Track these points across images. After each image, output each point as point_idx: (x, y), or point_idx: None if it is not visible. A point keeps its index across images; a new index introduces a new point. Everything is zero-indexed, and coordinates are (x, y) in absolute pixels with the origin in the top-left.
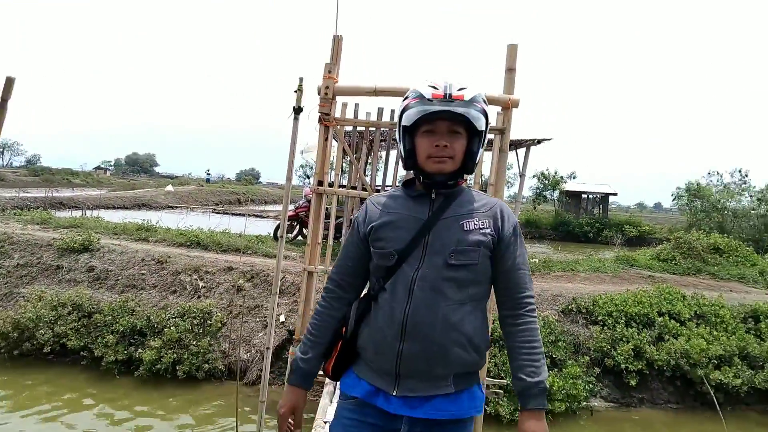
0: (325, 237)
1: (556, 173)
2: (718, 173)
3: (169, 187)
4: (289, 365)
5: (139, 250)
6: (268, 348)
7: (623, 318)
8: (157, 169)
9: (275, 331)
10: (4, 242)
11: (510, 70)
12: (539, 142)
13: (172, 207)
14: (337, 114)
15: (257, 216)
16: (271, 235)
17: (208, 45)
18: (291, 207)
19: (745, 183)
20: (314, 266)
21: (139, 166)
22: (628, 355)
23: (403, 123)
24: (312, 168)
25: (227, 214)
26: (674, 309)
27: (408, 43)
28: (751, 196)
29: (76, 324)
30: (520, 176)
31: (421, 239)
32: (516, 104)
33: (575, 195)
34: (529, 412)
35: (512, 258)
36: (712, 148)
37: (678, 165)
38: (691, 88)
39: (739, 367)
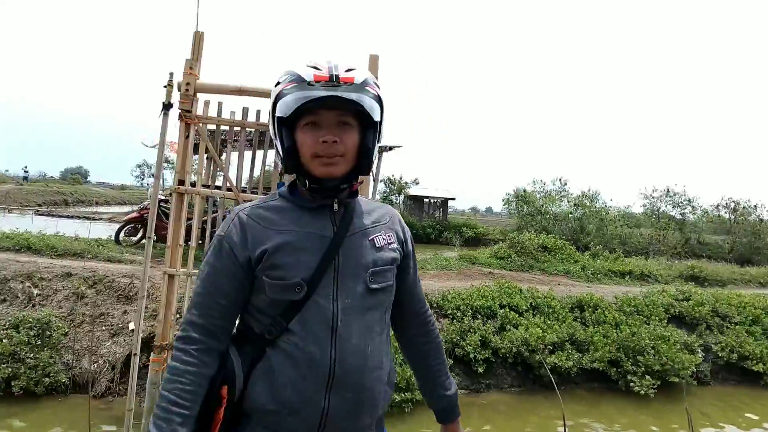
0: (187, 241)
1: (401, 179)
2: (541, 181)
3: None
4: (148, 393)
5: None
6: (135, 354)
7: (470, 311)
8: None
9: (124, 340)
10: None
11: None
12: (391, 148)
13: None
14: (199, 112)
15: (89, 218)
16: (112, 238)
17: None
18: (134, 209)
19: (564, 190)
20: (176, 269)
21: None
22: (475, 345)
23: (278, 114)
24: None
25: (53, 215)
26: (513, 302)
27: (277, 43)
28: (569, 202)
29: None
30: (373, 180)
31: (331, 262)
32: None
33: (418, 199)
34: (453, 423)
35: (414, 272)
36: (536, 158)
37: (506, 173)
38: (515, 102)
39: (569, 351)
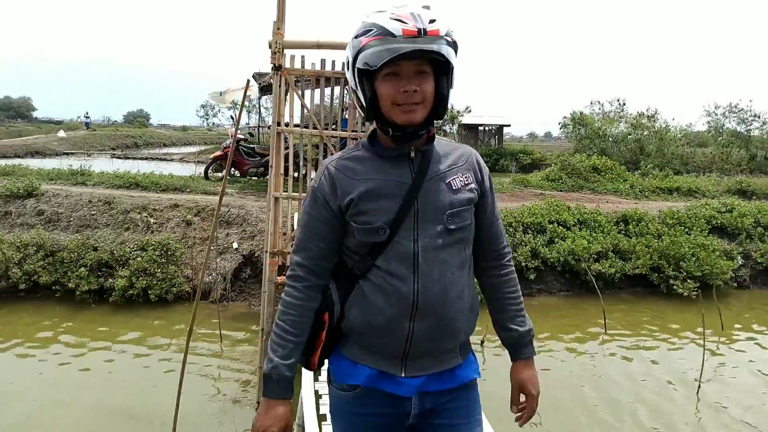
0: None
1: (452, 107)
2: (599, 102)
3: (61, 133)
4: (259, 373)
5: (82, 193)
6: (266, 251)
7: (521, 227)
8: (35, 114)
9: (230, 256)
10: None
11: None
12: None
13: (67, 153)
14: (287, 65)
15: (162, 159)
16: (201, 174)
17: None
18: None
19: (622, 111)
20: (279, 192)
21: (14, 111)
22: (526, 255)
23: (361, 66)
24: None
25: (129, 158)
26: (561, 217)
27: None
28: (627, 123)
29: (42, 262)
30: None
31: (411, 206)
32: None
33: (472, 128)
34: (524, 360)
35: (492, 209)
36: (596, 79)
37: (564, 96)
38: (574, 23)
39: (613, 259)
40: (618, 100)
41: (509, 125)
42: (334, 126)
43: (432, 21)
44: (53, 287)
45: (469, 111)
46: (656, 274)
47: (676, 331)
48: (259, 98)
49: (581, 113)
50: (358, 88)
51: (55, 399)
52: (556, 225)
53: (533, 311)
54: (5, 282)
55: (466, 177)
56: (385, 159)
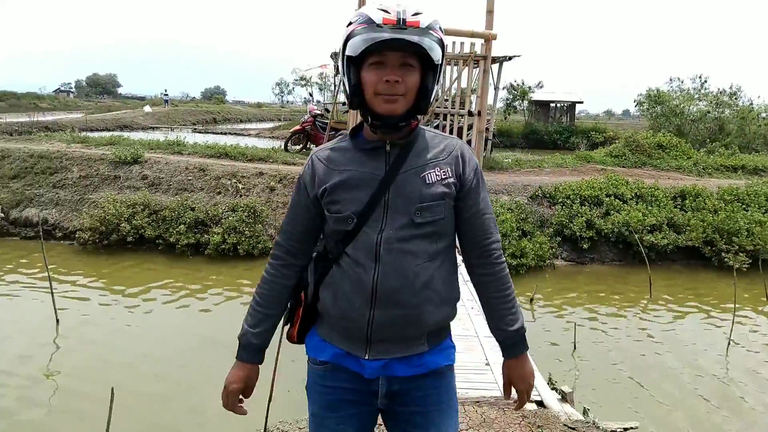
0: None
1: (523, 83)
2: (679, 79)
3: (147, 108)
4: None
5: (179, 161)
6: None
7: (578, 199)
8: (119, 90)
9: None
10: (61, 158)
11: (489, 12)
12: (510, 58)
13: (153, 127)
14: None
15: (239, 134)
16: (281, 147)
17: None
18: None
19: (703, 88)
20: None
21: (101, 88)
22: (581, 226)
23: (348, 53)
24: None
25: (209, 132)
26: (619, 191)
27: None
28: (708, 101)
29: (148, 219)
30: (495, 89)
31: (381, 198)
32: (495, 37)
33: (543, 104)
34: (515, 359)
35: (475, 204)
36: (677, 55)
37: (644, 73)
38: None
39: (667, 232)
40: (699, 77)
41: (582, 102)
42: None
43: (416, 14)
44: (156, 241)
45: (541, 87)
46: (709, 248)
47: (720, 301)
48: (335, 76)
49: (657, 90)
50: (344, 74)
51: (161, 336)
52: (613, 198)
53: (585, 277)
54: (116, 235)
55: (444, 171)
56: (364, 151)
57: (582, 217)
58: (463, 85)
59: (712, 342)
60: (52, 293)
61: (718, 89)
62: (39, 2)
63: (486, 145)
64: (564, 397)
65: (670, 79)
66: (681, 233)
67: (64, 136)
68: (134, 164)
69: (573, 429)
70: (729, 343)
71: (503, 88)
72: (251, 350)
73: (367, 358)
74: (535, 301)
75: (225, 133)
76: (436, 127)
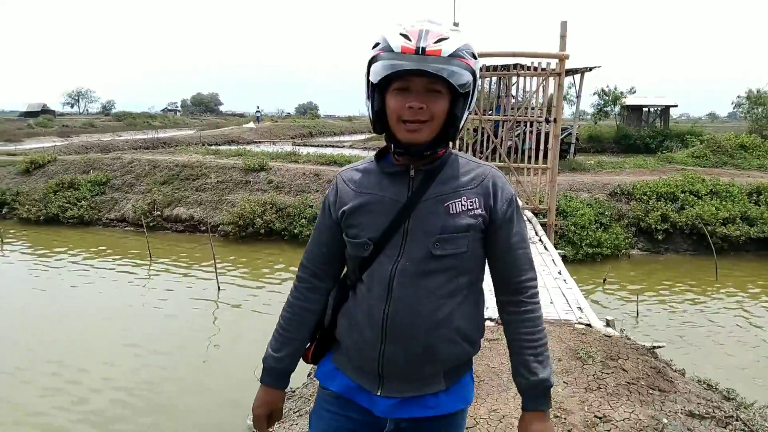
0: None
1: (615, 89)
2: None
3: (251, 124)
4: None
5: (297, 168)
6: None
7: (654, 195)
8: (221, 108)
9: None
10: (201, 167)
11: (563, 37)
12: (590, 69)
13: (256, 141)
14: None
15: (334, 146)
16: None
17: None
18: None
19: None
20: None
21: (204, 106)
22: (657, 219)
23: (371, 78)
24: None
25: (307, 145)
26: (694, 188)
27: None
28: None
29: (275, 215)
30: (577, 97)
31: (400, 226)
32: (567, 57)
33: (636, 109)
34: (534, 412)
35: (508, 238)
36: None
37: (748, 71)
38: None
39: (740, 224)
40: None
41: (676, 105)
42: (490, 112)
43: (440, 40)
44: (282, 233)
45: (634, 92)
46: None
47: None
48: None
49: (758, 91)
50: (368, 98)
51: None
52: (688, 194)
53: (659, 265)
54: (251, 228)
55: (471, 202)
56: (387, 174)
57: (657, 211)
58: (540, 97)
59: (761, 320)
60: (216, 272)
61: None
62: (140, 30)
63: (569, 149)
64: (608, 324)
65: None
66: (754, 225)
67: (200, 149)
68: (261, 171)
69: (609, 337)
70: None
71: (593, 93)
72: (274, 374)
73: (379, 394)
74: (607, 281)
75: (322, 146)
76: (520, 134)
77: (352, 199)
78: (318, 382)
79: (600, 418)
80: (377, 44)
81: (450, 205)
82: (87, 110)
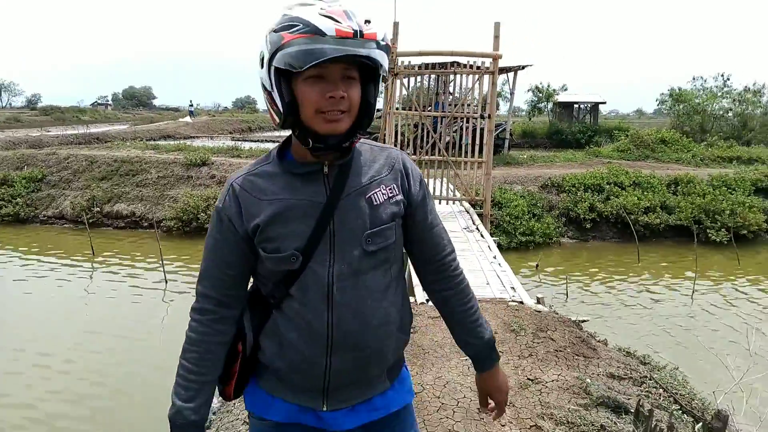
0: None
1: (548, 86)
2: (701, 78)
3: (187, 118)
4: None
5: (240, 162)
6: None
7: (582, 186)
8: (155, 102)
9: None
10: (141, 162)
11: (496, 37)
12: (523, 68)
13: (193, 137)
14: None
15: (275, 141)
16: None
17: None
18: None
19: (726, 86)
20: None
21: (137, 100)
22: (585, 209)
23: (280, 65)
24: None
25: (247, 140)
26: (618, 180)
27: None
28: (731, 99)
29: None
30: (510, 94)
31: (325, 229)
32: (500, 57)
33: (567, 105)
34: (489, 371)
35: (425, 218)
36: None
37: (670, 71)
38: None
39: (659, 213)
40: (721, 75)
41: (604, 102)
42: (430, 108)
43: (367, 21)
44: None
45: (565, 89)
46: (697, 225)
47: (704, 269)
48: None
49: (679, 89)
50: (274, 89)
51: None
52: (613, 185)
53: (587, 251)
54: (195, 223)
55: (390, 189)
56: (297, 176)
57: (585, 202)
58: (476, 94)
59: (675, 296)
60: (163, 267)
61: (745, 87)
62: (68, 19)
63: (504, 144)
64: (538, 301)
65: (693, 78)
66: (672, 214)
67: (139, 144)
68: (203, 166)
69: (539, 312)
70: (693, 291)
71: (527, 90)
72: (191, 430)
73: (325, 409)
74: (540, 268)
75: (262, 141)
76: (458, 129)
77: (264, 209)
78: (246, 414)
79: (532, 380)
80: (289, 27)
81: (372, 197)
82: (10, 104)
